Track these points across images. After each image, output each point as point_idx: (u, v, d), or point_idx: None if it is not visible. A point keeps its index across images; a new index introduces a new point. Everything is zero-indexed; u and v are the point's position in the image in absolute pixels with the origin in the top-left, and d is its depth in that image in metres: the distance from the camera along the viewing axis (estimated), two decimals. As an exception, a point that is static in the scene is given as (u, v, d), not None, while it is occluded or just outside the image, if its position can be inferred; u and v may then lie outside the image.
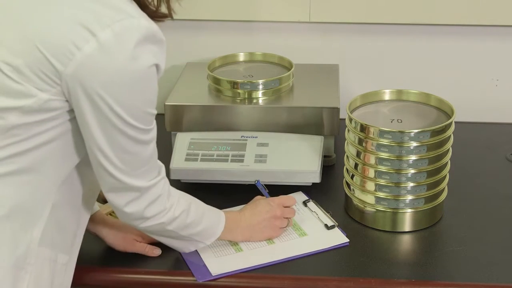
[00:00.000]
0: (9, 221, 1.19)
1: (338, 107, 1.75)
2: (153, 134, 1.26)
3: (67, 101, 1.16)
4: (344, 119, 1.62)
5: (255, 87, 1.80)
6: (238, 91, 1.80)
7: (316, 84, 1.91)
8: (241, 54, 1.97)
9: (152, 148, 1.27)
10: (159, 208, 1.32)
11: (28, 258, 1.20)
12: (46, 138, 1.18)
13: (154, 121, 1.26)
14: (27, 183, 1.19)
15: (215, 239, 1.46)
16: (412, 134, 1.50)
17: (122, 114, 1.17)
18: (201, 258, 1.48)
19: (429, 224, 1.60)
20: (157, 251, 1.49)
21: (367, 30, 2.08)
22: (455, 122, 1.58)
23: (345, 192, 1.65)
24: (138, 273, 1.46)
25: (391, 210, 1.57)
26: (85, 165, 1.27)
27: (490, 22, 2.02)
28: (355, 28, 2.08)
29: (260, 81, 1.80)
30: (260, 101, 1.80)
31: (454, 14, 2.01)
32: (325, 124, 1.76)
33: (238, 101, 1.80)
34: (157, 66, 1.20)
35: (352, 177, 1.61)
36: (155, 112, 1.24)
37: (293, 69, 1.87)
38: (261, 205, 1.55)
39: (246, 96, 1.80)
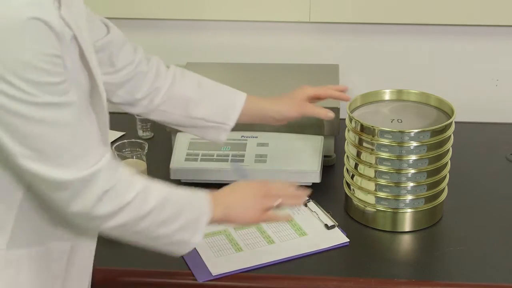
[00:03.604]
0: None
1: (338, 107, 1.75)
2: (60, 112, 1.05)
3: None
4: (344, 119, 1.62)
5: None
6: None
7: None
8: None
9: (71, 131, 1.07)
10: (112, 206, 1.13)
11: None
12: None
13: (64, 97, 1.05)
14: None
15: (202, 233, 1.26)
16: (412, 134, 1.50)
17: (4, 74, 0.99)
18: (201, 258, 1.48)
19: (429, 224, 1.60)
20: (331, 114, 1.45)
21: (367, 30, 2.08)
22: (455, 122, 1.58)
23: (345, 192, 1.65)
24: (138, 273, 1.46)
25: (391, 210, 1.57)
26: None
27: (490, 22, 2.02)
28: (355, 28, 2.08)
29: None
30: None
31: (454, 14, 2.01)
32: (325, 124, 1.76)
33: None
34: (39, 19, 1.00)
35: (352, 177, 1.61)
36: (50, 79, 1.03)
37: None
38: (242, 183, 1.36)
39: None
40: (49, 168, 1.07)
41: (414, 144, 1.51)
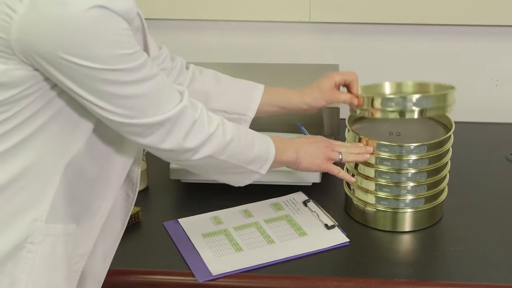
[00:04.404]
0: (8, 200, 1.16)
1: (338, 107, 1.75)
2: (144, 70, 1.16)
3: (36, 69, 1.11)
4: (344, 119, 1.62)
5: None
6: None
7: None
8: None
9: (153, 83, 1.17)
10: (201, 136, 1.25)
11: (30, 237, 1.17)
12: (36, 117, 1.14)
13: (140, 58, 1.15)
14: (23, 162, 1.16)
15: (269, 166, 1.39)
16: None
17: (91, 65, 1.09)
18: (201, 258, 1.48)
19: (429, 224, 1.60)
20: (354, 100, 1.53)
21: (366, 30, 2.08)
22: (455, 122, 1.58)
23: (345, 192, 1.65)
24: (138, 273, 1.46)
25: (391, 210, 1.57)
26: (97, 137, 1.23)
27: (490, 22, 2.02)
28: (355, 28, 2.08)
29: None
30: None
31: (454, 14, 2.01)
32: (325, 124, 1.76)
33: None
34: (102, 6, 1.07)
35: (352, 177, 1.61)
36: (132, 50, 1.13)
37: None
38: (308, 136, 1.51)
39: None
40: (146, 118, 1.17)
41: (414, 144, 1.51)
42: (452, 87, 1.54)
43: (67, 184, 1.21)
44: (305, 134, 1.60)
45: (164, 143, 1.22)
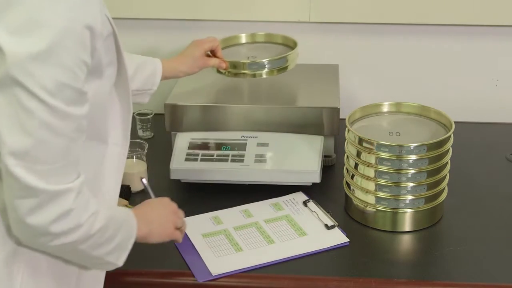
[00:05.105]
0: None
1: (338, 107, 1.75)
2: (75, 123, 1.09)
3: None
4: (344, 119, 1.62)
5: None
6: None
7: (316, 84, 1.91)
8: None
9: (69, 142, 1.09)
10: (68, 225, 1.12)
11: (18, 253, 1.17)
12: None
13: (81, 109, 1.09)
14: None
15: (126, 256, 1.27)
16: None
17: (28, 86, 1.03)
18: (201, 258, 1.48)
19: (429, 224, 1.60)
20: (223, 64, 1.74)
21: (367, 30, 2.08)
22: (455, 122, 1.58)
23: (345, 192, 1.65)
24: (138, 273, 1.46)
25: (391, 210, 1.57)
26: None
27: (490, 22, 2.02)
28: (355, 28, 2.08)
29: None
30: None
31: (454, 14, 2.01)
32: (325, 124, 1.76)
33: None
34: (68, 27, 1.05)
35: (352, 177, 1.61)
36: (78, 86, 1.07)
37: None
38: (156, 200, 1.43)
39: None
40: (28, 171, 1.06)
41: (414, 144, 1.51)
42: (295, 44, 1.84)
43: None
44: (149, 191, 1.52)
45: (31, 216, 1.09)
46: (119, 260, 1.25)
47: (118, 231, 1.22)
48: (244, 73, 1.77)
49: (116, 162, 1.31)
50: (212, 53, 1.77)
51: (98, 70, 1.16)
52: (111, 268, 1.27)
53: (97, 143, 1.25)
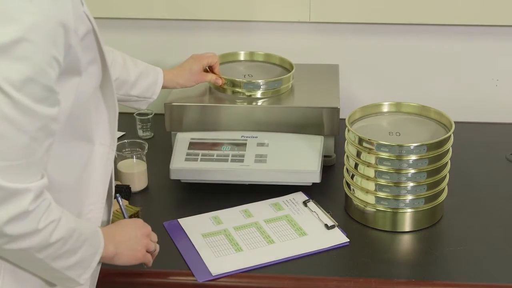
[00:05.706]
0: None
1: (338, 107, 1.75)
2: (40, 122, 1.06)
3: None
4: (344, 119, 1.62)
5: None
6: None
7: (316, 84, 1.91)
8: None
9: (32, 141, 1.06)
10: (25, 228, 1.08)
11: None
12: None
13: (49, 109, 1.07)
14: None
15: (89, 275, 1.23)
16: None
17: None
18: (201, 258, 1.48)
19: (429, 224, 1.60)
20: (219, 81, 1.78)
21: (367, 30, 2.08)
22: (455, 122, 1.58)
23: (345, 192, 1.65)
24: (138, 273, 1.45)
25: (391, 210, 1.57)
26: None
27: (490, 22, 2.02)
28: (355, 28, 2.08)
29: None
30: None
31: (454, 14, 2.01)
32: (325, 124, 1.76)
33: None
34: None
35: (352, 177, 1.61)
36: (48, 83, 1.05)
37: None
38: (129, 221, 1.38)
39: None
40: None
41: (414, 144, 1.51)
42: (291, 67, 1.87)
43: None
44: (121, 208, 1.47)
45: None
46: (80, 277, 1.21)
47: (81, 246, 1.18)
48: (239, 92, 1.80)
49: (104, 161, 1.30)
50: (210, 69, 1.80)
51: (75, 68, 1.14)
52: (74, 286, 1.22)
53: (82, 143, 1.25)
